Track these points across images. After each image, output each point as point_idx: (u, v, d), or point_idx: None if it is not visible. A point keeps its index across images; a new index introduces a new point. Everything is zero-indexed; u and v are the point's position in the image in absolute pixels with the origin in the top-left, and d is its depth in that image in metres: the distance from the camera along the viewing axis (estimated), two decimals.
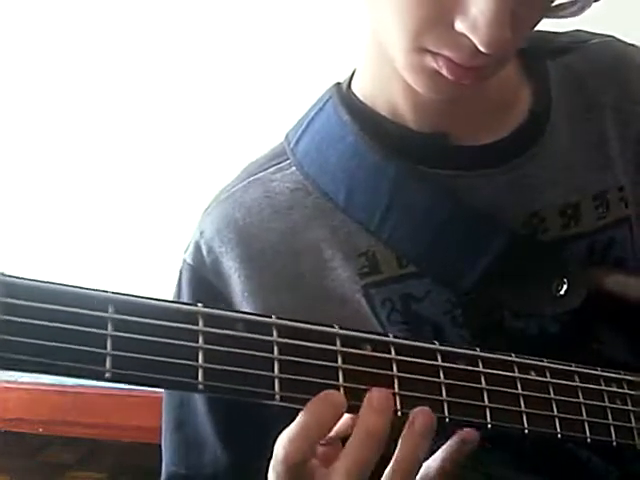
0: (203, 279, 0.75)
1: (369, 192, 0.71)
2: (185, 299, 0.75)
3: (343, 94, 0.75)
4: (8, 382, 1.84)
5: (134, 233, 1.81)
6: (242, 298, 0.73)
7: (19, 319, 0.45)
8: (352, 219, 0.72)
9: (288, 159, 0.75)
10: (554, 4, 0.63)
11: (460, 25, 0.58)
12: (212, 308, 0.52)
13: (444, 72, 0.61)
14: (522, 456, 0.73)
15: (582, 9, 0.63)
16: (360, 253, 0.72)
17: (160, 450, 0.80)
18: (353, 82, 0.76)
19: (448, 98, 0.67)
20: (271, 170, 0.76)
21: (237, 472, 0.76)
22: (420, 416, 0.56)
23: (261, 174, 0.76)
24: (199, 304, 0.51)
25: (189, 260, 0.76)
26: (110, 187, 1.83)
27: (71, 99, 1.83)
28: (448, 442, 0.59)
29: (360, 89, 0.75)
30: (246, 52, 1.76)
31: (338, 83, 0.77)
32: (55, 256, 1.81)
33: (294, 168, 0.75)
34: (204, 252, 0.75)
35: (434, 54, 0.61)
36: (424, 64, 0.62)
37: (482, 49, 0.57)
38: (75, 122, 1.83)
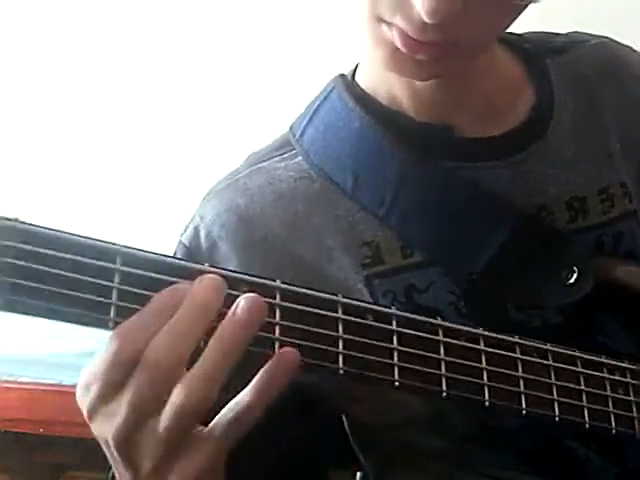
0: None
1: (377, 178, 0.72)
2: None
3: (347, 82, 0.76)
4: (8, 382, 1.84)
5: (133, 224, 1.81)
6: None
7: (31, 265, 0.47)
8: (359, 206, 0.72)
9: (294, 149, 0.76)
10: None
11: None
12: (218, 268, 0.52)
13: (398, 44, 0.61)
14: (521, 456, 0.72)
15: None
16: (363, 243, 0.72)
17: None
18: (357, 74, 0.77)
19: (411, 77, 0.67)
20: (276, 159, 0.76)
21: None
22: (244, 301, 0.50)
23: (265, 163, 0.76)
24: (205, 263, 0.52)
25: (185, 242, 0.75)
26: (116, 176, 1.85)
27: (78, 97, 1.86)
28: (261, 370, 0.52)
29: (363, 81, 0.76)
30: (247, 47, 1.78)
31: (342, 74, 0.77)
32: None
33: (300, 158, 0.75)
34: (202, 237, 0.74)
35: (389, 24, 0.61)
36: (382, 35, 0.63)
37: (425, 18, 0.57)
38: (83, 117, 1.86)
